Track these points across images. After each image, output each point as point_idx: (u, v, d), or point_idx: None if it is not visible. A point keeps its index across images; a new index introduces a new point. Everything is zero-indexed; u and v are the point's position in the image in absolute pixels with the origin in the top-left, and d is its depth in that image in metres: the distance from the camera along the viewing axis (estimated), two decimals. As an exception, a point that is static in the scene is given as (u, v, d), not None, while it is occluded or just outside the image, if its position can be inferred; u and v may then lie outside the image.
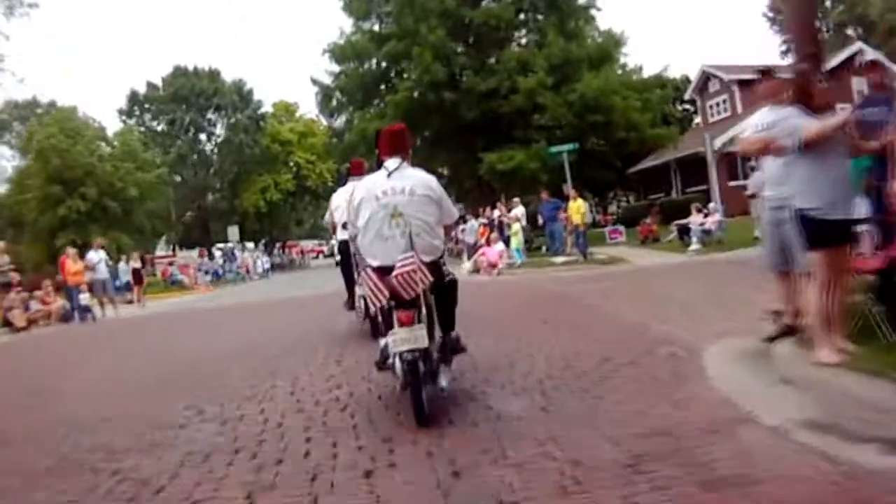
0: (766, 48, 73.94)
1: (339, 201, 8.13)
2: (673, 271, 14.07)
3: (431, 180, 4.89)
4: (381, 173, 4.81)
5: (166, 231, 44.89)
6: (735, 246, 16.43)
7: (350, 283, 8.58)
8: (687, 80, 37.85)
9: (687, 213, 20.91)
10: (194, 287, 28.78)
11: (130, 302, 23.35)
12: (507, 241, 19.40)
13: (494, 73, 27.46)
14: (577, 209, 18.86)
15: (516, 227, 19.87)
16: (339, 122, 33.15)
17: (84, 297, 17.60)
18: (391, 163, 4.80)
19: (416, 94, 27.35)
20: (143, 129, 47.89)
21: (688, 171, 32.85)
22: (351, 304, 8.77)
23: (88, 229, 35.91)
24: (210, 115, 48.80)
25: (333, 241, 10.17)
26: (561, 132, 26.47)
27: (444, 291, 4.80)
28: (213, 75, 48.81)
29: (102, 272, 18.35)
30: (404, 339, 4.31)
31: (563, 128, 26.62)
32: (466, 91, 27.36)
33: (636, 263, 16.37)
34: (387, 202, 4.62)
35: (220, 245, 37.65)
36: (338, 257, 9.11)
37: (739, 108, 33.87)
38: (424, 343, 4.35)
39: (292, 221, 58.01)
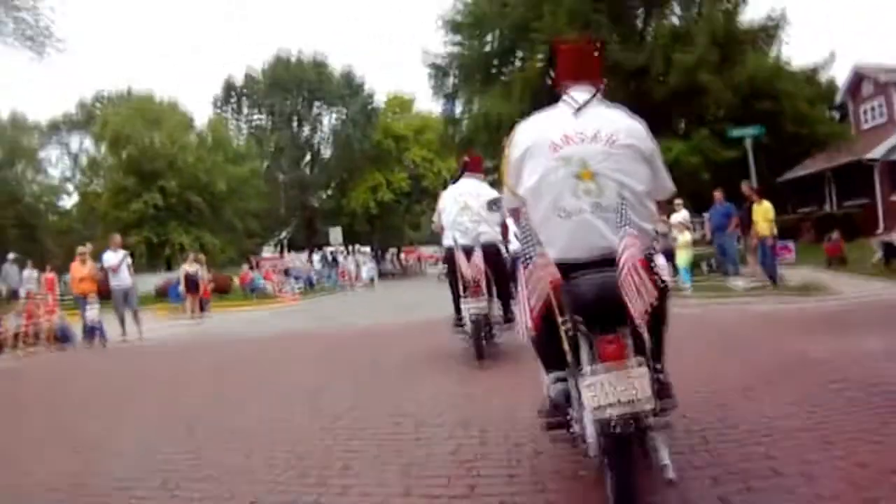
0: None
1: (448, 201, 6.96)
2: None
3: (642, 127, 3.03)
4: (563, 108, 3.03)
5: (264, 230, 40.69)
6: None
7: (457, 298, 6.88)
8: (832, 84, 30.49)
9: (848, 229, 19.23)
10: (278, 296, 23.84)
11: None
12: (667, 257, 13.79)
13: (644, 47, 21.62)
14: (765, 214, 13.06)
15: (684, 238, 14.12)
16: (456, 108, 27.29)
17: (92, 312, 12.75)
18: (578, 93, 3.03)
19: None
20: (238, 120, 44.25)
21: (843, 182, 27.24)
22: (458, 321, 6.96)
23: (167, 226, 32.55)
24: (316, 108, 44.32)
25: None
26: (723, 121, 20.67)
27: (654, 307, 2.61)
28: (319, 64, 44.14)
29: (124, 279, 13.39)
30: (613, 390, 2.45)
31: (724, 118, 20.66)
32: (611, 68, 20.40)
33: (846, 294, 11.44)
34: (570, 154, 2.87)
35: (325, 247, 33.11)
36: (444, 268, 8.29)
37: (899, 113, 27.72)
38: (648, 398, 2.48)
39: (406, 225, 52.25)
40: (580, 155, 2.87)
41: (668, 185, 3.25)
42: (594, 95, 3.05)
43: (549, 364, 3.10)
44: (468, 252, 6.38)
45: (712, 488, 2.94)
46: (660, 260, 12.58)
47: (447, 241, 6.84)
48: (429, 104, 38.41)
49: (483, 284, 6.38)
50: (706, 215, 16.10)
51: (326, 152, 45.67)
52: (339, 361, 7.88)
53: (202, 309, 20.29)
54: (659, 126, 20.97)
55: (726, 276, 14.10)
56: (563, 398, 2.95)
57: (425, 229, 63.89)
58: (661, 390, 2.87)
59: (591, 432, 2.68)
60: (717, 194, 14.58)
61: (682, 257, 13.95)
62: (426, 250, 60.29)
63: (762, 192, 13.72)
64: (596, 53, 3.26)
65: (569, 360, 2.77)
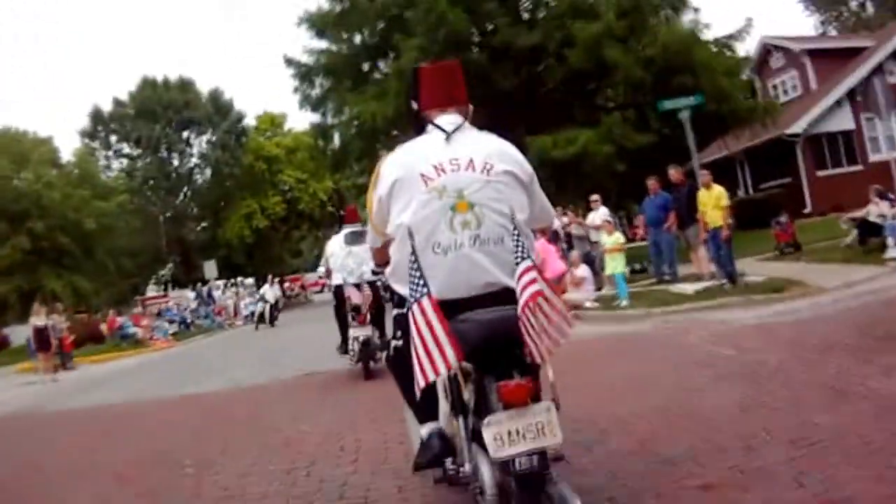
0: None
1: (335, 248, 8.77)
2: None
3: (516, 151, 2.85)
4: (432, 137, 2.79)
5: (140, 269, 38.59)
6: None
7: (344, 328, 8.88)
8: (748, 56, 30.43)
9: (767, 213, 17.79)
10: (150, 342, 22.54)
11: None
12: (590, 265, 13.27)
13: (538, 24, 19.45)
14: (717, 201, 11.13)
15: (613, 239, 12.40)
16: (327, 118, 24.64)
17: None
18: (446, 120, 2.80)
19: (427, 56, 18.14)
20: (108, 152, 41.99)
21: (758, 162, 27.06)
22: (344, 348, 8.98)
23: (39, 273, 30.38)
24: (184, 133, 42.44)
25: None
26: (633, 105, 19.59)
27: None
28: (186, 85, 42.20)
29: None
30: (516, 431, 2.31)
31: (635, 100, 19.43)
32: (500, 50, 19.24)
33: (836, 288, 9.57)
34: (444, 184, 2.63)
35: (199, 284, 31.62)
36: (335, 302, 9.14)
37: (814, 84, 27.71)
38: (558, 438, 2.36)
39: (286, 252, 50.61)
40: (455, 185, 2.65)
41: (550, 211, 3.15)
42: (464, 120, 2.87)
43: (422, 416, 2.97)
44: (357, 287, 8.21)
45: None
46: (581, 271, 12.46)
47: (336, 280, 8.66)
48: (301, 121, 36.35)
49: (368, 315, 8.22)
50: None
51: (199, 181, 43.86)
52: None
53: (64, 364, 18.94)
54: (559, 115, 19.69)
55: (663, 279, 12.89)
56: (441, 446, 2.86)
57: (307, 255, 62.63)
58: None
59: (486, 477, 2.48)
60: (652, 183, 13.25)
61: (614, 262, 12.05)
62: (310, 278, 58.94)
63: (713, 176, 11.75)
64: (459, 74, 3.03)
65: (468, 406, 2.66)
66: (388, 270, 2.98)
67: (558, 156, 17.12)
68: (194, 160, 43.23)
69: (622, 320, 10.43)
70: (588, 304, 12.04)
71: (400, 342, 2.92)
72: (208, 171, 43.20)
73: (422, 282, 2.38)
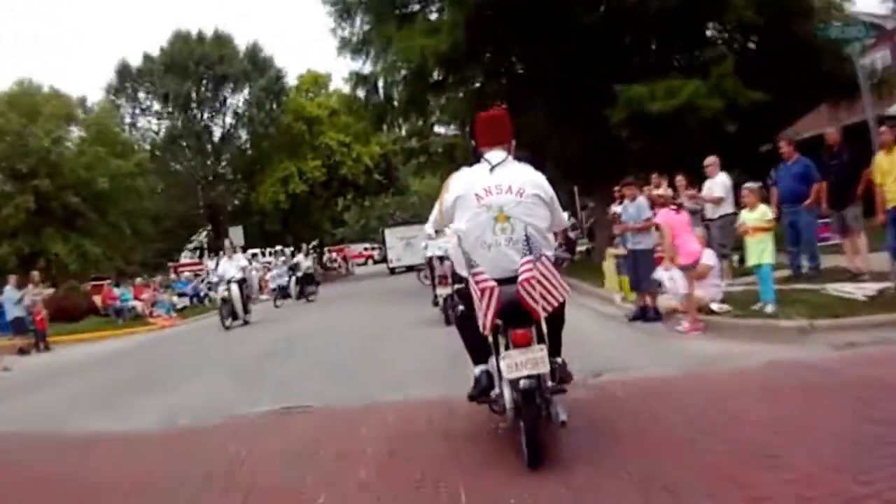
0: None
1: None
2: None
3: (542, 179, 4.34)
4: (482, 167, 4.29)
5: (163, 235, 35.16)
6: None
7: (434, 286, 11.20)
8: None
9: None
10: (150, 319, 18.94)
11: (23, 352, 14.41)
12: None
13: None
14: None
15: (758, 214, 7.89)
16: (367, 64, 19.63)
17: None
18: (493, 155, 4.28)
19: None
20: (135, 108, 38.54)
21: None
22: (435, 301, 11.08)
23: (42, 235, 27.17)
24: (219, 90, 38.69)
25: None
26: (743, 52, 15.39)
27: (553, 310, 4.06)
28: (221, 40, 38.38)
29: None
30: (520, 362, 3.80)
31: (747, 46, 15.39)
32: None
33: None
34: (490, 202, 4.11)
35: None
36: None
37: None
38: (546, 367, 3.88)
39: (327, 220, 45.71)
40: (498, 203, 4.08)
41: (564, 220, 4.83)
42: (506, 156, 4.27)
43: (476, 359, 4.40)
44: (441, 259, 9.91)
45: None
46: (706, 257, 8.38)
47: (429, 253, 12.06)
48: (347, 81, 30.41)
49: (449, 279, 9.11)
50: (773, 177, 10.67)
51: (233, 141, 40.28)
52: None
53: (37, 344, 15.56)
54: (649, 65, 15.31)
55: (800, 273, 9.31)
56: (487, 381, 4.22)
57: (352, 224, 58.89)
58: (562, 371, 4.28)
59: (507, 396, 3.93)
60: (786, 147, 9.77)
61: (760, 247, 7.73)
62: (355, 249, 55.35)
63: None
64: (505, 121, 4.50)
65: (492, 350, 4.14)
66: (451, 259, 5.04)
67: (656, 109, 13.15)
68: (228, 119, 39.56)
69: (771, 336, 6.78)
70: (715, 307, 8.00)
71: (462, 307, 4.37)
72: (243, 133, 39.58)
73: (474, 268, 3.93)
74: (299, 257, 23.37)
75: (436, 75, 18.06)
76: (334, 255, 48.64)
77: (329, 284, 29.82)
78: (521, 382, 3.71)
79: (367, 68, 19.57)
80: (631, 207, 9.12)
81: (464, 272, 4.04)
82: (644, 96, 13.33)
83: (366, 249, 56.27)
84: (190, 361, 10.94)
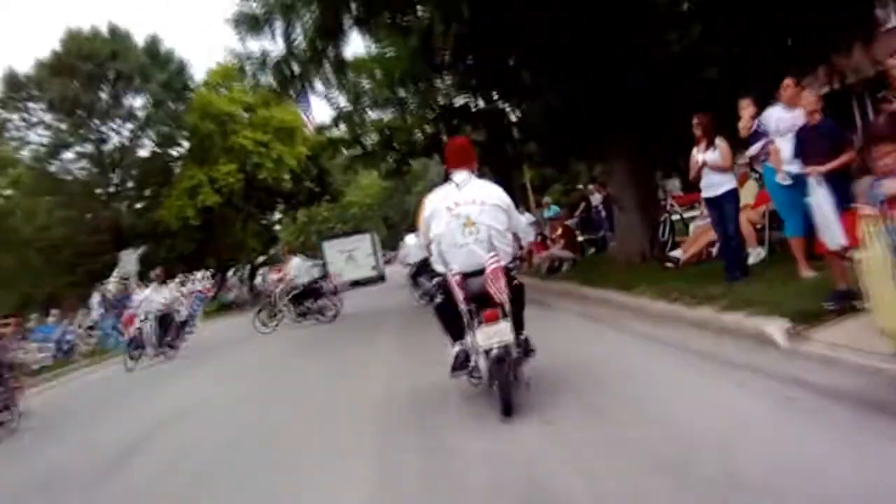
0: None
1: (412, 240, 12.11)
2: None
3: (500, 191, 5.41)
4: (451, 186, 5.35)
5: (62, 264, 29.83)
6: None
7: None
8: None
9: None
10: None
11: None
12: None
13: None
14: None
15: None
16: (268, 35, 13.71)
17: None
18: (459, 176, 5.35)
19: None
20: (25, 121, 33.18)
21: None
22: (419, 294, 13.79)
23: None
24: (112, 91, 33.50)
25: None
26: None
27: (514, 295, 5.09)
28: (117, 35, 33.62)
29: None
30: (491, 334, 4.76)
31: None
32: None
33: None
34: (459, 212, 5.15)
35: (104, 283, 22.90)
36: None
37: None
38: (510, 337, 4.79)
39: (251, 237, 39.11)
40: (465, 212, 5.14)
41: (521, 221, 5.84)
42: (470, 176, 5.36)
43: (454, 336, 5.31)
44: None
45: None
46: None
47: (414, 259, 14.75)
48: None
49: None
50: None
51: (136, 149, 35.04)
52: None
53: None
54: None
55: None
56: (465, 356, 5.13)
57: (291, 241, 52.73)
58: (526, 345, 5.18)
59: (482, 364, 4.88)
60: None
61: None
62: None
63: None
64: (469, 148, 5.72)
65: (467, 328, 5.06)
66: (431, 259, 5.50)
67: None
68: (129, 125, 34.35)
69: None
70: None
71: (440, 298, 5.31)
72: (147, 139, 34.48)
73: (449, 265, 5.13)
74: (151, 287, 15.85)
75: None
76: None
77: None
78: (493, 351, 4.70)
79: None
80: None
81: (441, 268, 5.22)
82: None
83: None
84: None
